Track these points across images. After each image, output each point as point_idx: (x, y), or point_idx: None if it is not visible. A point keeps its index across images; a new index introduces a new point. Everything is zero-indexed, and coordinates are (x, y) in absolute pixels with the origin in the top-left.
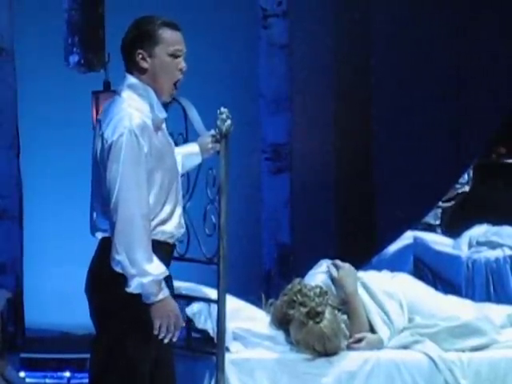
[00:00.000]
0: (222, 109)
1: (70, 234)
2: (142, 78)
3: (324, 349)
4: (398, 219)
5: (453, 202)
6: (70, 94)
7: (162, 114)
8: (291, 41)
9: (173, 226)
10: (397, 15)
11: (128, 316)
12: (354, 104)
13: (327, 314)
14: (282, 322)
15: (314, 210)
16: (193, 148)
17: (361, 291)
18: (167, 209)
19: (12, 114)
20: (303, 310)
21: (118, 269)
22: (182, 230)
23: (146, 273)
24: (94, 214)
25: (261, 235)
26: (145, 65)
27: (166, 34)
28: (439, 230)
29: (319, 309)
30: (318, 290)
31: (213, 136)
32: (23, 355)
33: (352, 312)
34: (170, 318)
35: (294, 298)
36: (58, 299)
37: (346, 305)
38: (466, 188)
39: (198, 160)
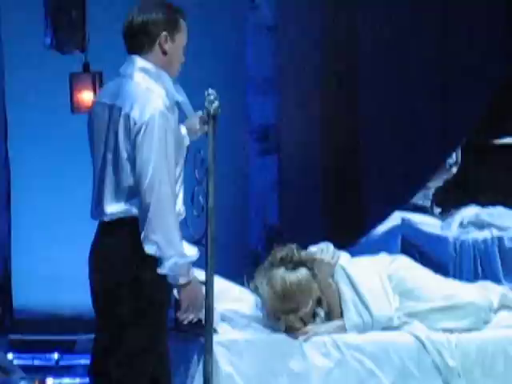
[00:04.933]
0: (210, 90)
1: (58, 217)
2: (160, 59)
3: (288, 302)
4: (386, 200)
5: (441, 183)
6: (56, 77)
7: (181, 96)
8: (279, 22)
9: (179, 206)
10: None
11: (136, 300)
12: (341, 85)
13: (304, 272)
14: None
15: (301, 191)
16: (181, 130)
17: (343, 280)
18: (180, 191)
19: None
20: (282, 256)
21: (151, 249)
22: (183, 216)
23: (183, 254)
24: (103, 198)
25: (249, 216)
26: (167, 47)
27: (184, 25)
28: (427, 211)
29: (297, 259)
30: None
31: (201, 117)
32: (11, 337)
33: (326, 303)
34: (197, 299)
35: (281, 255)
36: (46, 281)
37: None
38: (454, 169)
39: (186, 142)
